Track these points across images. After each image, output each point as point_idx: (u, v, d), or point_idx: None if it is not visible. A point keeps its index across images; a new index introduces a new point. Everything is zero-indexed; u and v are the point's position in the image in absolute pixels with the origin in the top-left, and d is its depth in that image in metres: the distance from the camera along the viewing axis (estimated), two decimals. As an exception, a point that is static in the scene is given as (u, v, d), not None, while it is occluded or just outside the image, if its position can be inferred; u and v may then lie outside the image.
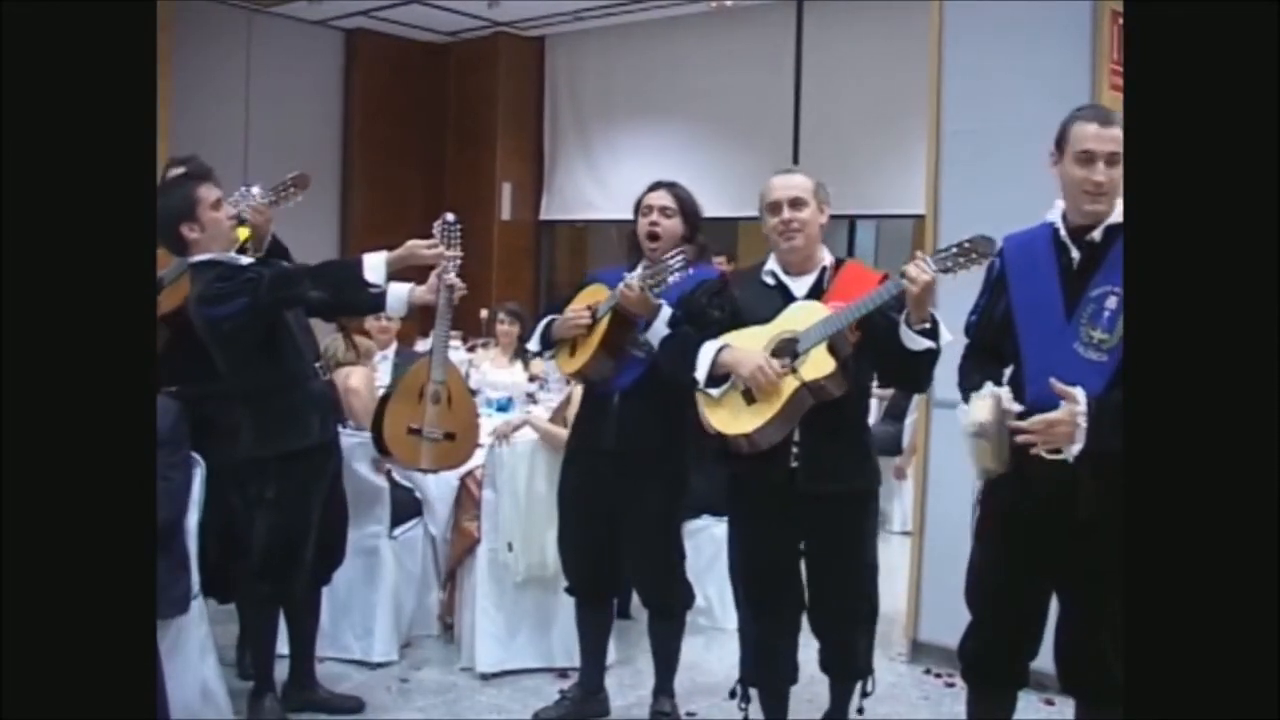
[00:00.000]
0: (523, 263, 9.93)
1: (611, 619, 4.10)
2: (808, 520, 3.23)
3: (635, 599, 4.24)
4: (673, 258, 3.41)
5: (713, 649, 4.72)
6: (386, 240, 3.76)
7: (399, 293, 3.63)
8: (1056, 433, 2.64)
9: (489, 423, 4.65)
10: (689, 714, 4.02)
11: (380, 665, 4.42)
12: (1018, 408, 2.73)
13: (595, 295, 3.71)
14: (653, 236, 3.70)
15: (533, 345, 3.91)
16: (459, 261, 3.68)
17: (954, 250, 2.87)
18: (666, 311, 3.49)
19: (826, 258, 3.31)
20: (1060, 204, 2.86)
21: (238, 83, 8.77)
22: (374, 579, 4.45)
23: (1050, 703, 3.94)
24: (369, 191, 9.57)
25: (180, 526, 3.48)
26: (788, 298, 3.25)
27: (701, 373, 3.21)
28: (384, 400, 3.90)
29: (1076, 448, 2.62)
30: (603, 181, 9.57)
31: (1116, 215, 2.73)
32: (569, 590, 3.96)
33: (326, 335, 4.65)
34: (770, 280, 3.31)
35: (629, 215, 3.81)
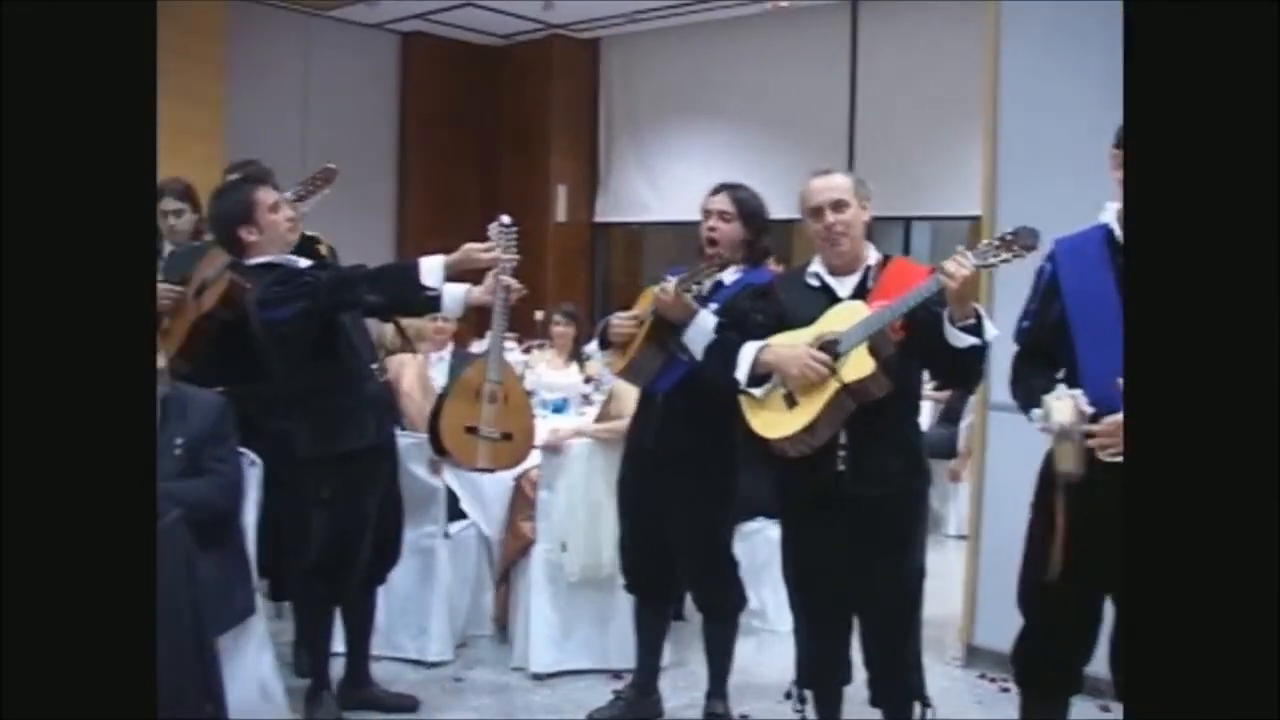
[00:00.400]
0: (577, 265, 9.94)
1: (669, 620, 4.11)
2: (854, 522, 3.14)
3: (689, 601, 4.24)
4: (707, 264, 3.40)
5: (766, 651, 4.71)
6: (442, 243, 3.79)
7: (455, 293, 3.64)
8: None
9: (544, 424, 4.65)
10: (742, 716, 4.02)
11: (435, 665, 4.45)
12: (1091, 410, 2.69)
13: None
14: (710, 242, 3.68)
15: (591, 346, 3.92)
16: (514, 264, 3.70)
17: (995, 243, 2.83)
18: (709, 317, 3.48)
19: (872, 256, 3.24)
20: (1114, 205, 2.82)
21: (295, 86, 8.83)
22: (429, 579, 4.48)
23: (1106, 709, 3.88)
24: (425, 194, 9.62)
25: (237, 526, 3.51)
26: (832, 298, 3.19)
27: (743, 372, 3.17)
28: (441, 400, 3.92)
29: None
30: (657, 183, 9.56)
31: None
32: (627, 588, 3.97)
33: (375, 323, 4.64)
34: (814, 282, 3.25)
35: (683, 217, 3.84)
